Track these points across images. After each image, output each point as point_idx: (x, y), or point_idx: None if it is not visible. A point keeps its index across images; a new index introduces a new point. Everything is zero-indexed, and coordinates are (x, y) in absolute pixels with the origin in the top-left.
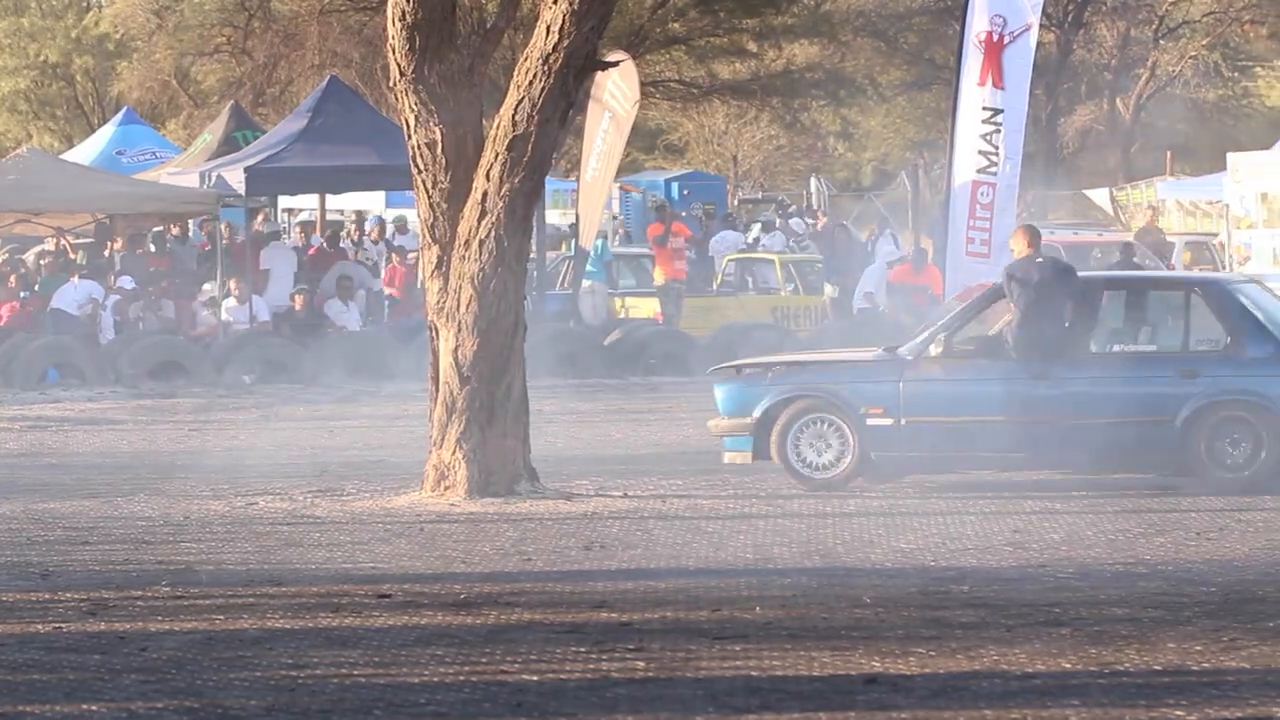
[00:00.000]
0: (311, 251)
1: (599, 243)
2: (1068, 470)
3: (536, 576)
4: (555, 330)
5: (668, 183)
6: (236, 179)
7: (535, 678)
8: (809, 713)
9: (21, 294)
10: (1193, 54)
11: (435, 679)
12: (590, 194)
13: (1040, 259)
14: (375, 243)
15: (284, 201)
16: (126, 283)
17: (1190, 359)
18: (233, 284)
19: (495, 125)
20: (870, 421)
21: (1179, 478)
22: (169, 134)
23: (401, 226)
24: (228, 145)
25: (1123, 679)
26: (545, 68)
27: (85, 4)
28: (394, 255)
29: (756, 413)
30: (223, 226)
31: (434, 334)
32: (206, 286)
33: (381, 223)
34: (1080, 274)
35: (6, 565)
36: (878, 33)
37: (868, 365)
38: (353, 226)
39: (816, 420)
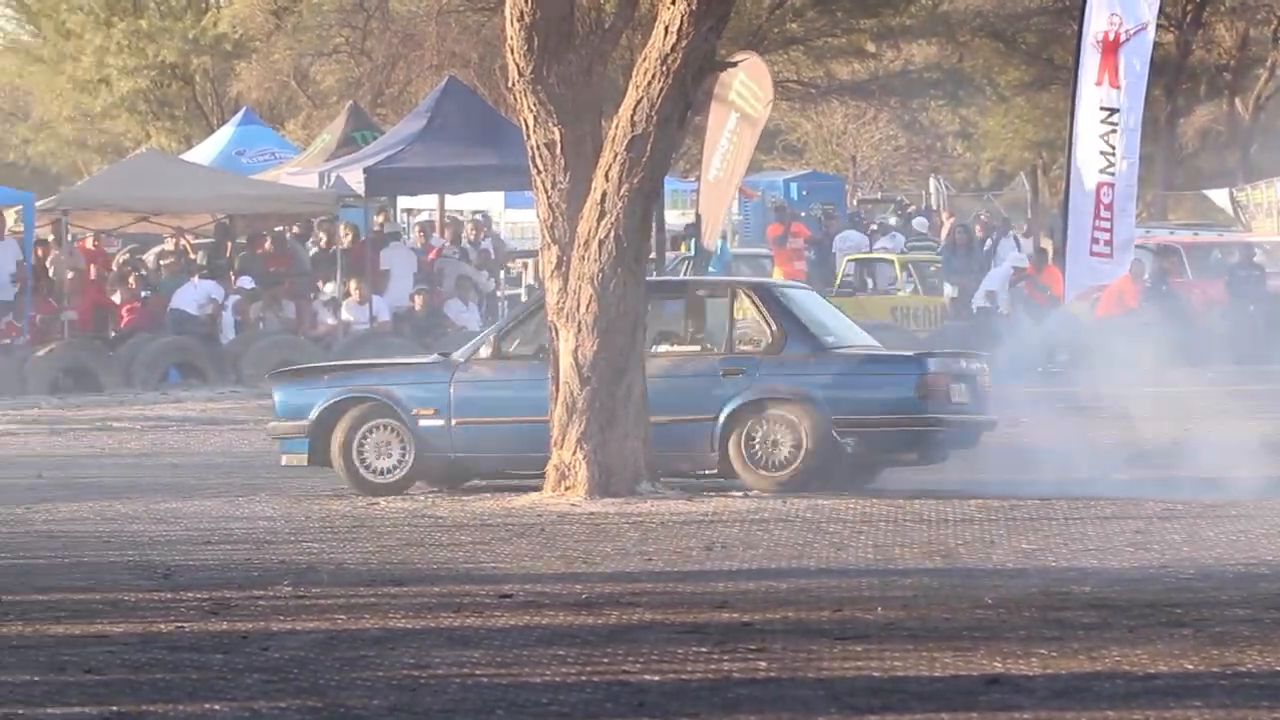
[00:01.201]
0: (432, 254)
1: (719, 243)
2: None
3: (658, 576)
4: None
5: (786, 183)
6: (356, 179)
7: (657, 678)
8: (931, 713)
9: (142, 294)
10: None
11: (557, 679)
12: (712, 194)
13: None
14: (474, 242)
15: (403, 202)
16: (246, 283)
17: (734, 359)
18: (353, 284)
19: (614, 125)
20: (423, 423)
21: (725, 478)
22: (288, 134)
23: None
24: (347, 145)
25: (1245, 680)
26: (664, 68)
27: (204, 4)
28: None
29: (312, 415)
30: (342, 227)
31: (554, 334)
32: (327, 287)
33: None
34: None
35: (129, 565)
36: (996, 33)
37: (420, 368)
38: (471, 227)
39: (380, 426)
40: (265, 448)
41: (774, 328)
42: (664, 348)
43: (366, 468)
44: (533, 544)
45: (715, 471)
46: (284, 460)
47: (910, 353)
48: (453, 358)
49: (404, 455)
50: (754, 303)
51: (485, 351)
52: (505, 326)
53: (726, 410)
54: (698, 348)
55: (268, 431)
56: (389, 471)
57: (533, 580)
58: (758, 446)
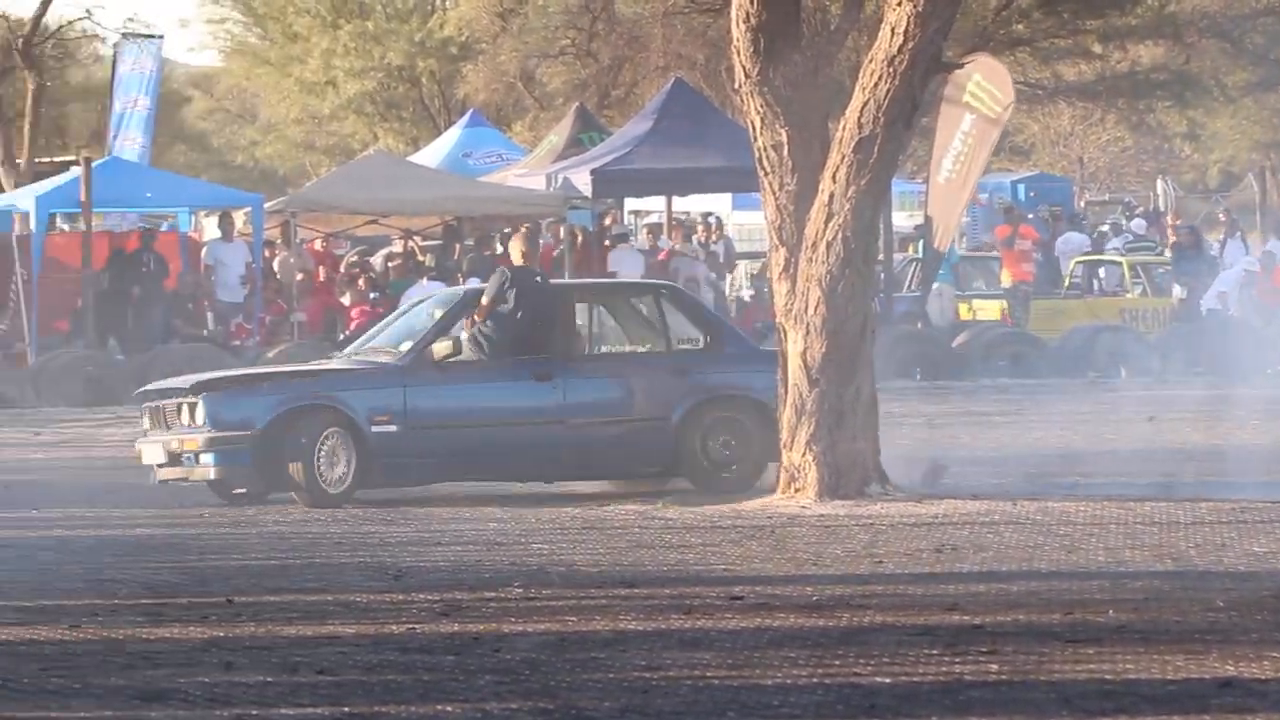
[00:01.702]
0: (662, 255)
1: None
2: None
3: (888, 579)
4: (903, 332)
5: (1014, 184)
6: (583, 181)
7: (888, 680)
8: (1163, 716)
9: (371, 295)
10: None
11: (788, 681)
12: (943, 195)
13: (535, 267)
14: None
15: (630, 203)
16: (474, 284)
17: (678, 357)
18: None
19: (841, 127)
20: (375, 429)
21: (676, 479)
22: (515, 136)
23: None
24: (574, 147)
25: None
26: (890, 70)
27: (430, 7)
28: None
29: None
30: (570, 228)
31: (782, 336)
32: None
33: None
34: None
35: (361, 566)
36: (1223, 33)
37: (369, 373)
38: (702, 228)
39: (332, 434)
40: None
41: (707, 328)
42: (608, 348)
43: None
44: (763, 546)
45: (667, 471)
46: (197, 474)
47: None
48: (401, 359)
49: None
50: (679, 304)
51: (439, 353)
52: (439, 328)
53: (680, 410)
54: (644, 348)
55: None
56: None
57: (763, 582)
58: (710, 445)
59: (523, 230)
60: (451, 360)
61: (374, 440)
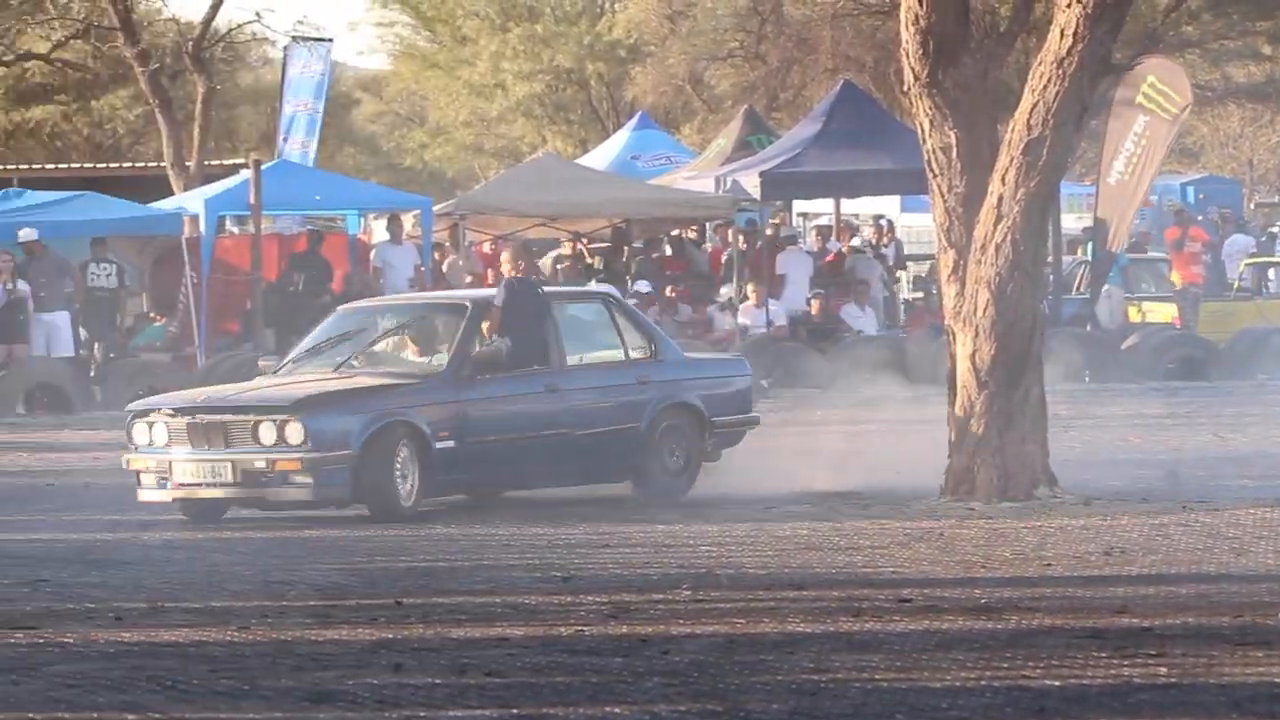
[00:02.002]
0: (830, 257)
1: None
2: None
3: (1056, 581)
4: (1072, 335)
5: (1183, 187)
6: (752, 183)
7: (1057, 683)
8: None
9: None
10: None
11: (956, 683)
12: (1114, 197)
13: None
14: (876, 246)
15: (798, 205)
16: (642, 286)
17: (639, 366)
18: (750, 288)
19: (1010, 129)
20: (439, 445)
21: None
22: (683, 138)
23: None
24: (742, 150)
25: None
26: (1059, 71)
27: (599, 9)
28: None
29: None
30: (737, 231)
31: (951, 338)
32: (723, 290)
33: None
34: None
35: (529, 568)
36: None
37: (422, 387)
38: (873, 230)
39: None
40: None
41: (648, 336)
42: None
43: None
44: (930, 548)
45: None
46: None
47: (729, 356)
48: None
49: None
50: (624, 313)
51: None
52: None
53: (646, 418)
54: (612, 356)
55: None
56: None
57: (931, 585)
58: (665, 452)
59: (512, 245)
60: (487, 372)
61: (437, 454)
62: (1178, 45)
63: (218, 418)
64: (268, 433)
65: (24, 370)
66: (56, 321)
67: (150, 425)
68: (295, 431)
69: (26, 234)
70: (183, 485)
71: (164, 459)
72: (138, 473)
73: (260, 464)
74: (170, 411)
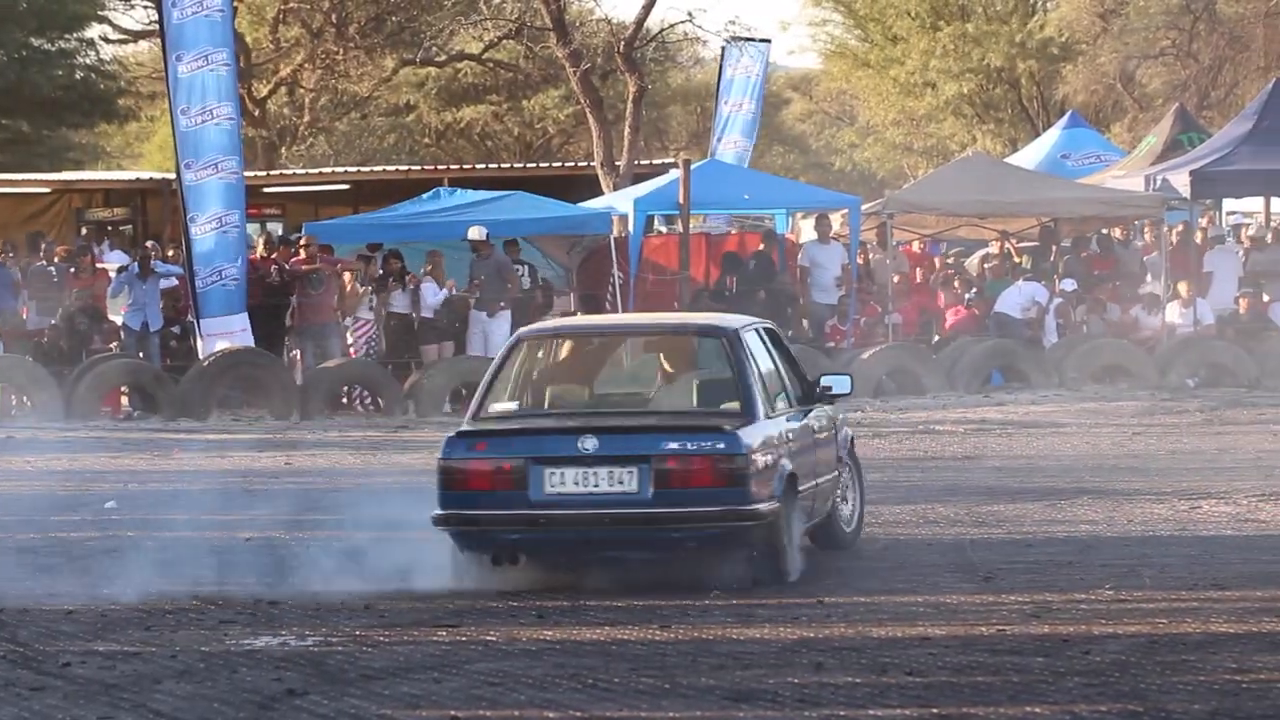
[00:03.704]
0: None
1: None
2: None
3: None
4: None
5: None
6: (1182, 182)
7: None
8: None
9: (966, 297)
10: None
11: None
12: None
13: None
14: None
15: (1228, 204)
16: (1069, 285)
17: None
18: (1181, 286)
19: None
20: None
21: None
22: (1113, 137)
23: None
24: (1173, 148)
25: None
26: None
27: (1030, 8)
28: None
29: None
30: (1168, 229)
31: None
32: (1146, 288)
33: None
34: None
35: (950, 566)
36: None
37: None
38: None
39: None
40: (1088, 451)
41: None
42: None
43: None
44: None
45: None
46: None
47: None
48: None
49: None
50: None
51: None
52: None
53: None
54: None
55: None
56: None
57: None
58: None
59: None
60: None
61: None
62: None
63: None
64: None
65: (452, 369)
66: (496, 322)
67: None
68: None
69: (477, 231)
70: None
71: None
72: None
73: None
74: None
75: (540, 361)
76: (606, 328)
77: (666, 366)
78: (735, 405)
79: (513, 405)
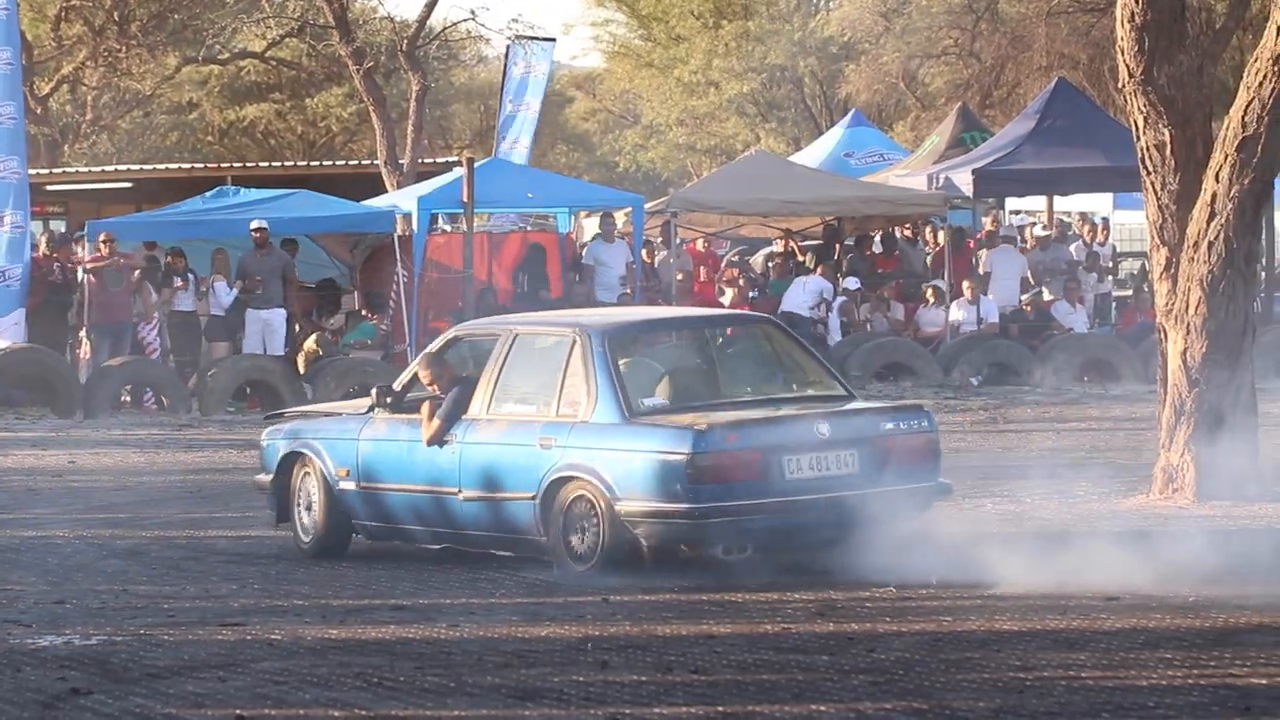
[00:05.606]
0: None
1: None
2: None
3: (1265, 580)
4: None
5: None
6: (964, 180)
7: (1264, 681)
8: None
9: (750, 295)
10: None
11: (1163, 682)
12: None
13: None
14: (1103, 244)
15: (1011, 203)
16: (852, 283)
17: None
18: (965, 285)
19: (1224, 127)
20: (340, 485)
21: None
22: (896, 136)
23: (1098, 228)
24: (956, 147)
25: None
26: (1276, 68)
27: (813, 7)
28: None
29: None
30: (931, 229)
31: (1162, 336)
32: (927, 286)
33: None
34: None
35: (738, 562)
36: None
37: (340, 421)
38: (1088, 228)
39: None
40: None
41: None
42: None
43: (301, 525)
44: (1138, 547)
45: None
46: None
47: None
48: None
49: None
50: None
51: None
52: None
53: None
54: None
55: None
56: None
57: (1138, 583)
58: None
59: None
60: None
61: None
62: None
63: None
64: None
65: (236, 367)
66: (273, 319)
67: None
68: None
69: (258, 223)
70: None
71: None
72: None
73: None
74: None
75: (629, 357)
76: (676, 320)
77: (744, 356)
78: (838, 388)
79: (662, 400)
